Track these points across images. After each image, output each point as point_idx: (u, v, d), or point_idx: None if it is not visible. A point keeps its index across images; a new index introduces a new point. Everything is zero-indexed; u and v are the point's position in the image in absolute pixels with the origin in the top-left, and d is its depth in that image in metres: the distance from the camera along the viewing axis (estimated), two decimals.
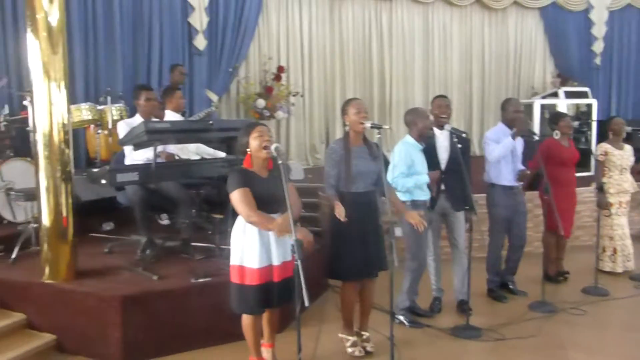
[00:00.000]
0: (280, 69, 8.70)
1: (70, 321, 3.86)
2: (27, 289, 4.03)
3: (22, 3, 6.32)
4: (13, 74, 6.59)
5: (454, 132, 4.24)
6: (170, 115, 4.97)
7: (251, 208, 3.05)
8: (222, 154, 4.87)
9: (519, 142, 4.74)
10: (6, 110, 5.78)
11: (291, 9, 9.15)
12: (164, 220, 5.79)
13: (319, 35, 9.36)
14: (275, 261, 3.15)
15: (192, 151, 4.84)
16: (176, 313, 3.84)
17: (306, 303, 2.69)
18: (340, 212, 3.47)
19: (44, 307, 3.97)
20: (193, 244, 4.63)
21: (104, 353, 3.74)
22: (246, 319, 3.24)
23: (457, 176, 4.15)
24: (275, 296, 3.15)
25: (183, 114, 5.44)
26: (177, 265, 4.35)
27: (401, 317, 4.27)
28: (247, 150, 3.16)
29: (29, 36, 3.83)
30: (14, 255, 4.47)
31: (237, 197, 3.07)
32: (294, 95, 8.74)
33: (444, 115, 4.36)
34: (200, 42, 8.13)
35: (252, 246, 3.11)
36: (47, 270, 4.00)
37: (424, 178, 4.10)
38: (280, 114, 8.54)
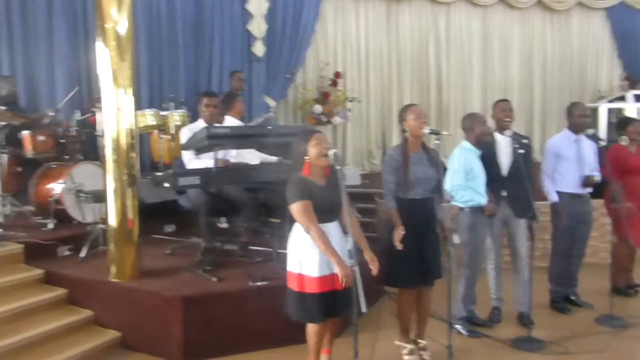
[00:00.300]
0: (337, 75, 8.75)
1: (134, 319, 3.99)
2: (95, 287, 4.20)
3: (92, 13, 6.66)
4: (84, 82, 6.92)
5: (515, 138, 4.14)
6: (230, 121, 5.08)
7: (311, 221, 3.01)
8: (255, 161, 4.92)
9: (590, 148, 4.57)
10: (78, 115, 6.06)
11: (348, 15, 9.20)
12: (223, 224, 5.91)
13: (375, 41, 9.36)
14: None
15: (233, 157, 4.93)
16: (234, 315, 3.91)
17: (363, 309, 2.68)
18: (398, 236, 3.45)
19: (110, 304, 4.12)
20: (251, 247, 4.70)
21: (165, 351, 3.84)
22: (312, 327, 3.20)
23: (519, 182, 4.04)
24: (339, 304, 3.09)
25: (242, 119, 5.55)
26: (236, 268, 4.43)
27: (459, 326, 4.19)
28: (306, 158, 3.11)
29: (99, 45, 3.99)
30: (83, 254, 4.68)
31: (297, 209, 3.03)
32: (350, 101, 8.77)
33: (507, 119, 4.26)
34: (259, 49, 8.29)
35: (311, 254, 3.07)
36: (113, 269, 4.15)
37: (483, 200, 4.02)
38: (337, 120, 8.58)
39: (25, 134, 5.54)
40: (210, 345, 3.84)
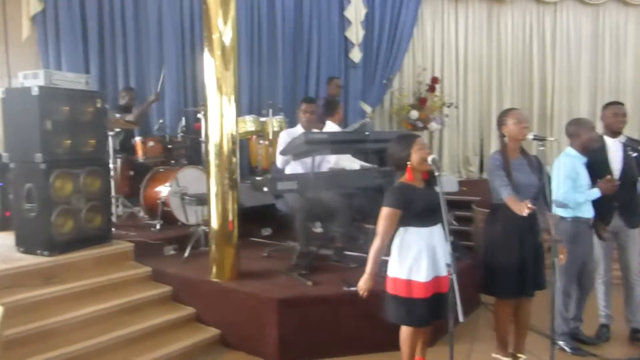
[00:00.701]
0: (434, 80, 8.61)
1: (232, 318, 4.14)
2: (197, 286, 4.40)
3: (198, 26, 7.03)
4: (190, 90, 7.30)
5: (629, 144, 3.85)
6: (331, 126, 5.16)
7: (385, 232, 3.06)
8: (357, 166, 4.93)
9: None
10: (183, 122, 6.40)
11: (447, 18, 9.03)
12: (317, 228, 5.98)
13: (475, 44, 9.11)
14: (443, 271, 3.06)
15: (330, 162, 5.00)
16: (328, 319, 3.95)
17: (461, 318, 2.62)
18: (521, 207, 3.16)
19: (211, 303, 4.30)
20: (346, 252, 4.73)
21: (262, 351, 3.96)
22: (407, 330, 3.19)
23: (632, 190, 3.76)
24: (444, 307, 3.02)
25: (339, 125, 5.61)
26: (330, 272, 4.47)
27: (561, 343, 3.97)
28: (408, 163, 3.10)
29: (205, 55, 4.19)
30: (186, 254, 4.92)
31: (384, 214, 3.07)
32: (448, 106, 8.59)
33: (620, 124, 3.98)
34: (356, 55, 8.35)
35: (420, 260, 3.06)
36: (214, 269, 4.32)
37: (595, 193, 3.77)
38: (433, 125, 8.44)
39: (137, 140, 5.94)
40: (305, 347, 3.90)
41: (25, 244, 4.54)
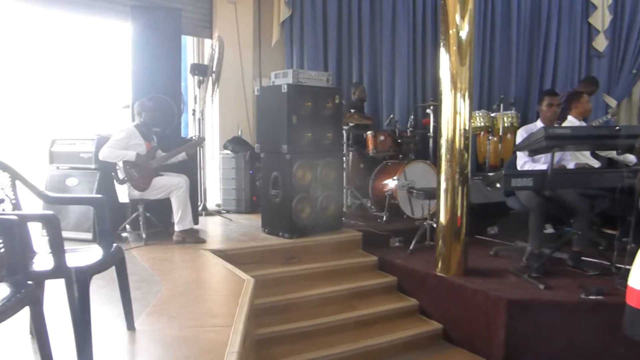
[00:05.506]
0: None
1: (457, 314, 4.10)
2: (422, 278, 4.45)
3: (430, 23, 7.07)
4: (419, 86, 7.40)
5: None
6: (571, 122, 4.78)
7: None
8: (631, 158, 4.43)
9: None
10: (412, 117, 6.51)
11: None
12: (548, 229, 5.61)
13: None
14: None
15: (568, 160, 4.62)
16: (562, 327, 3.66)
17: None
18: None
19: (435, 297, 4.32)
20: (584, 258, 4.35)
21: (486, 351, 3.85)
22: None
23: None
24: None
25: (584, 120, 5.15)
26: (565, 277, 4.14)
27: None
28: None
29: (442, 51, 4.17)
30: (411, 247, 5.00)
31: None
32: None
33: None
34: (601, 43, 7.62)
35: None
36: (440, 263, 4.32)
37: None
38: None
39: (369, 134, 6.21)
40: (533, 353, 3.69)
41: (269, 226, 5.11)
